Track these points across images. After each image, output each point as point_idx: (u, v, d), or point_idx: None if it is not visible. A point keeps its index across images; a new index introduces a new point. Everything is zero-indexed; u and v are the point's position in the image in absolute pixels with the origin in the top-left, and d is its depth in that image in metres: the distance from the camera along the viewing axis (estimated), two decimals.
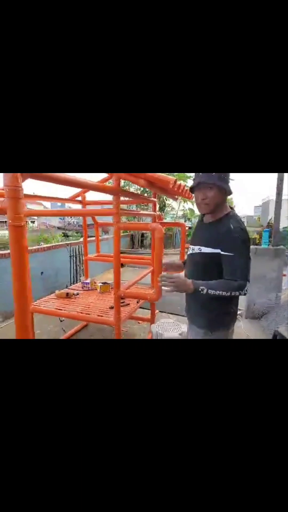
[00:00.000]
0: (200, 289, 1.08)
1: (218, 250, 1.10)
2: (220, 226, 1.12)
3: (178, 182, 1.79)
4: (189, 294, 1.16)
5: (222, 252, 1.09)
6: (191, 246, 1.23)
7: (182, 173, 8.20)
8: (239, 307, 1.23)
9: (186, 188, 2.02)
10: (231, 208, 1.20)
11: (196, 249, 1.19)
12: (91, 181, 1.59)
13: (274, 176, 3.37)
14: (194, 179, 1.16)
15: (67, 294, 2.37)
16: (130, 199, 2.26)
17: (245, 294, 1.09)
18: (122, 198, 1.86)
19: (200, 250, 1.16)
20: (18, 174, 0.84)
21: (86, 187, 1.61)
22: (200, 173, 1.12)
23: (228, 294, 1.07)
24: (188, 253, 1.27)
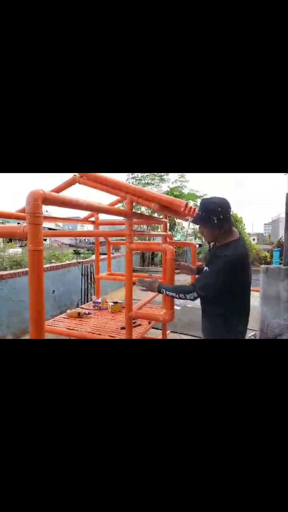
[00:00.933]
0: (161, 290, 1.44)
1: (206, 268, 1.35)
2: (221, 250, 1.29)
3: (189, 205, 1.83)
4: (203, 313, 1.43)
5: (207, 268, 1.34)
6: (205, 268, 1.42)
7: (192, 193, 8.36)
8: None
9: (196, 210, 2.06)
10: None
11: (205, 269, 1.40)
12: (104, 205, 1.66)
13: (283, 193, 3.39)
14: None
15: (79, 313, 2.38)
16: (142, 220, 2.32)
17: (190, 298, 1.31)
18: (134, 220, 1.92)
19: (205, 269, 1.38)
20: (40, 201, 0.90)
21: (100, 211, 1.67)
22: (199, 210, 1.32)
23: (177, 295, 1.37)
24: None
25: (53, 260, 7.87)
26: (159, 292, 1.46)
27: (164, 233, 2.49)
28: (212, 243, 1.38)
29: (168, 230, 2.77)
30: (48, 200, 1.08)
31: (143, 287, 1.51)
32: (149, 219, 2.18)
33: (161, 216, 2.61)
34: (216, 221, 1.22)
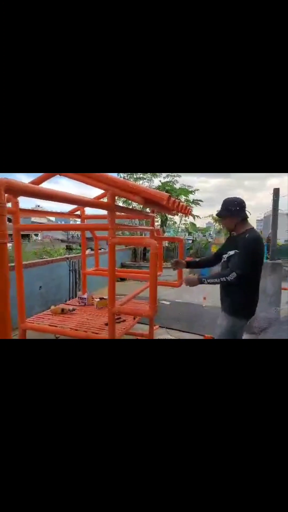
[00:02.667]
0: (202, 280, 1.62)
1: (234, 251, 1.59)
2: (240, 237, 1.60)
3: (173, 199, 1.78)
4: (221, 289, 1.70)
5: (236, 251, 1.58)
6: (224, 254, 1.70)
7: (184, 188, 8.31)
8: None
9: (182, 204, 2.02)
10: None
11: (226, 255, 1.67)
12: (86, 198, 1.60)
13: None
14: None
15: (62, 309, 2.33)
16: (127, 214, 2.26)
17: (231, 279, 1.50)
18: (120, 214, 1.87)
19: (228, 253, 1.64)
20: (2, 190, 0.83)
21: (81, 203, 1.61)
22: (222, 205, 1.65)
23: (218, 280, 1.56)
24: (223, 260, 1.73)
25: (44, 256, 7.73)
26: (201, 283, 1.65)
27: (150, 227, 2.44)
28: (231, 232, 1.71)
29: (160, 226, 2.73)
30: (14, 189, 1.02)
31: (187, 284, 1.73)
32: (134, 213, 2.12)
33: (147, 210, 2.55)
34: (234, 211, 1.60)
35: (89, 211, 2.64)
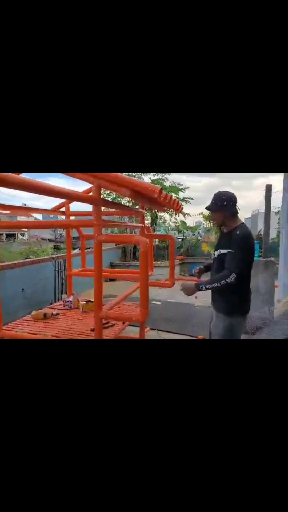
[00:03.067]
0: (200, 287, 1.52)
1: (227, 250, 1.52)
2: (231, 234, 1.54)
3: (165, 192, 1.63)
4: (214, 293, 1.62)
5: (229, 250, 1.51)
6: (215, 251, 1.65)
7: (174, 186, 8.20)
8: None
9: (174, 199, 1.89)
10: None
11: (217, 252, 1.61)
12: (67, 190, 1.42)
13: (263, 190, 3.31)
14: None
15: (45, 314, 2.13)
16: (115, 210, 2.09)
17: (231, 281, 1.44)
18: (108, 210, 1.71)
19: (220, 252, 1.57)
20: None
21: (62, 196, 1.43)
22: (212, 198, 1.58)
23: (219, 284, 1.47)
24: (214, 257, 1.67)
25: (31, 256, 7.42)
26: (200, 290, 1.56)
27: (140, 224, 2.27)
28: (223, 228, 1.66)
29: (150, 225, 2.60)
30: None
31: (185, 293, 1.63)
32: (122, 208, 1.94)
33: (137, 206, 2.37)
34: (223, 205, 1.53)
35: (77, 207, 2.45)
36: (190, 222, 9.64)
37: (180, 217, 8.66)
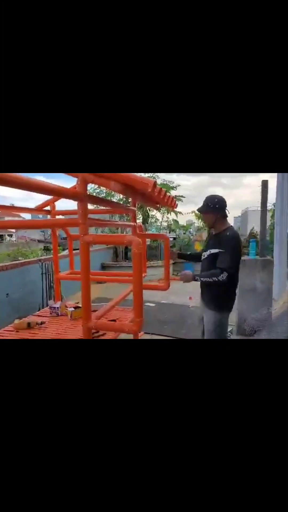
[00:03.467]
0: (196, 278, 1.69)
1: (218, 250, 1.66)
2: (221, 235, 1.69)
3: (159, 187, 1.47)
4: (203, 287, 1.78)
5: (220, 250, 1.65)
6: (204, 252, 1.78)
7: (165, 184, 8.06)
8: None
9: (169, 195, 1.74)
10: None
11: (207, 252, 1.74)
12: (48, 183, 1.23)
13: (252, 188, 3.21)
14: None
15: (29, 324, 1.93)
16: (105, 208, 1.90)
17: (222, 279, 1.57)
18: (98, 208, 1.53)
19: (210, 252, 1.70)
20: None
21: (42, 190, 1.24)
22: (204, 200, 1.72)
23: (211, 279, 1.61)
24: (203, 257, 1.79)
25: (20, 258, 7.10)
26: (195, 280, 1.70)
27: (132, 223, 2.10)
28: (212, 230, 1.79)
29: (142, 223, 2.46)
30: None
31: (182, 279, 1.76)
32: (111, 205, 1.76)
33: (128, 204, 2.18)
34: (214, 207, 1.67)
35: (70, 207, 2.19)
36: (181, 220, 9.54)
37: (172, 216, 8.54)
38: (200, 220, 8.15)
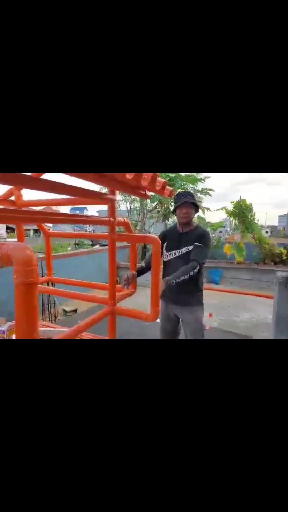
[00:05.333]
0: (170, 283, 1.67)
1: (192, 246, 1.80)
2: (195, 232, 1.85)
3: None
4: (178, 289, 1.77)
5: (195, 244, 1.79)
6: (175, 251, 1.86)
7: (192, 175, 7.35)
8: None
9: (163, 180, 1.26)
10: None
11: (183, 250, 1.82)
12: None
13: None
14: (177, 199, 1.86)
15: None
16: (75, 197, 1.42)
17: (195, 272, 1.73)
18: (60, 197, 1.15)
19: (188, 249, 1.81)
20: None
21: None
22: (186, 194, 1.89)
23: (187, 276, 1.69)
24: (174, 256, 1.86)
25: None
26: (169, 285, 1.63)
27: (104, 218, 1.52)
28: (179, 227, 1.90)
29: (162, 220, 2.34)
30: None
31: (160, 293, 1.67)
32: (80, 193, 1.23)
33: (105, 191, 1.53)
34: (196, 204, 1.87)
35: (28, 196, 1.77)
36: (210, 217, 8.67)
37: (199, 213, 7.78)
38: (232, 218, 7.27)
